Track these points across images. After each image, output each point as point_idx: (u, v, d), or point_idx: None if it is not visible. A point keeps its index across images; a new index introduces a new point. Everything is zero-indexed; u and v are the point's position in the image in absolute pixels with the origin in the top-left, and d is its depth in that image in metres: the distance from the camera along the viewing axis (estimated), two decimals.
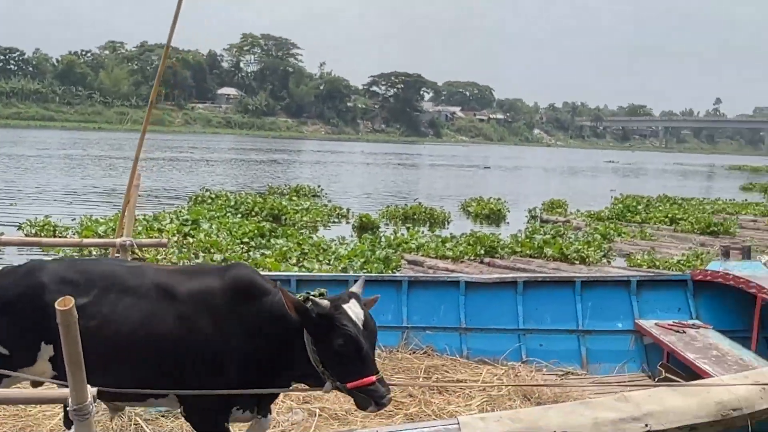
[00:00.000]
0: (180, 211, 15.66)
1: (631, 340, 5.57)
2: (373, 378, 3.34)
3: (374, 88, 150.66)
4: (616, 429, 3.45)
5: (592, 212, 21.07)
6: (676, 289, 5.78)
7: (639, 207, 22.36)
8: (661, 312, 5.61)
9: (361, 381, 3.34)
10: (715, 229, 17.73)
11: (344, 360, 3.37)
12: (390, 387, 3.42)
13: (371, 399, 3.35)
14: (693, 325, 5.25)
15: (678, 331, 5.04)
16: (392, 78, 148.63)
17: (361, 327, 3.39)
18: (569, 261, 12.99)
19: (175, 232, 13.39)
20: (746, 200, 28.56)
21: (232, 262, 3.94)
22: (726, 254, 6.11)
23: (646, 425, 3.48)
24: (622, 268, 12.76)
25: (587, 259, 13.07)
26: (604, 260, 13.59)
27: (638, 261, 13.10)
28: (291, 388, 3.71)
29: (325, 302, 3.41)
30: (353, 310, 3.41)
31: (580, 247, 13.62)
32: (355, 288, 3.62)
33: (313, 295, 3.56)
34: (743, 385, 3.76)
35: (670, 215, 20.21)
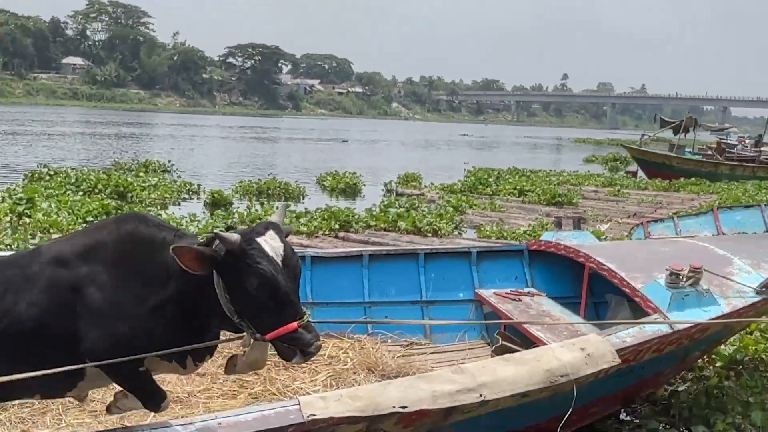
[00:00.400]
0: (13, 190, 14.61)
1: (472, 309, 5.74)
2: (295, 324, 2.85)
3: (231, 59, 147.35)
4: (452, 400, 3.52)
5: (446, 185, 21.46)
6: (514, 258, 6.01)
7: (490, 179, 22.92)
8: (500, 281, 5.81)
9: (280, 330, 2.86)
10: (560, 200, 18.49)
11: (261, 305, 2.87)
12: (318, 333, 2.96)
13: (296, 349, 2.90)
14: (528, 293, 5.47)
15: (514, 300, 5.23)
16: (249, 50, 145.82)
17: (280, 264, 2.86)
18: (422, 234, 13.19)
19: (8, 212, 12.48)
20: (589, 172, 30.21)
21: (124, 213, 3.43)
22: (558, 225, 6.40)
23: (481, 395, 3.57)
24: (472, 239, 13.13)
25: (439, 232, 13.29)
26: (456, 232, 13.88)
27: (487, 232, 13.43)
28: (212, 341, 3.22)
29: (235, 236, 2.85)
30: (270, 243, 2.87)
31: (432, 219, 13.84)
32: (275, 217, 3.08)
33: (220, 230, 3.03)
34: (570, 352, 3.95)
35: (518, 187, 20.85)
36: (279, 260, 2.86)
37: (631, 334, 4.21)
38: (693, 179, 26.52)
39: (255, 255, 2.84)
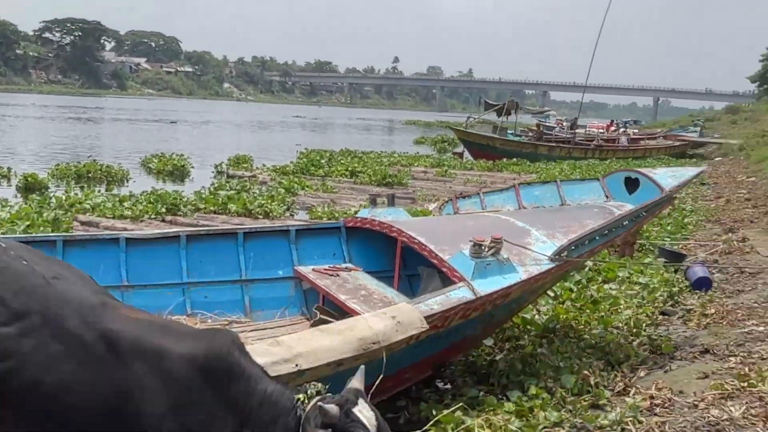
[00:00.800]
0: None
1: (292, 286, 5.82)
2: None
3: (47, 34, 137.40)
4: (269, 371, 3.60)
5: (278, 167, 21.35)
6: (331, 236, 6.16)
7: (322, 161, 23.03)
8: (319, 258, 5.93)
9: None
10: (390, 180, 18.93)
11: None
12: None
13: None
14: (346, 268, 5.62)
15: (332, 275, 5.37)
16: (68, 25, 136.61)
17: None
18: (253, 216, 13.07)
19: None
20: (418, 153, 31.13)
21: (217, 328, 3.16)
22: (373, 202, 6.64)
23: (297, 365, 3.67)
24: (303, 221, 13.18)
25: (271, 214, 13.23)
26: (288, 214, 13.88)
27: (319, 213, 13.45)
28: None
29: (335, 409, 2.75)
30: (365, 414, 2.82)
31: (264, 201, 13.76)
32: (358, 382, 3.02)
33: (309, 394, 2.91)
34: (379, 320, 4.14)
35: (350, 168, 21.07)
36: (374, 431, 2.81)
37: (438, 302, 4.48)
38: (515, 160, 28.00)
39: (356, 428, 2.77)
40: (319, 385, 2.95)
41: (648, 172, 6.36)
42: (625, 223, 5.85)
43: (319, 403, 2.78)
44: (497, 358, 5.70)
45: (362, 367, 3.18)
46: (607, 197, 6.42)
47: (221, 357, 2.82)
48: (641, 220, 6.13)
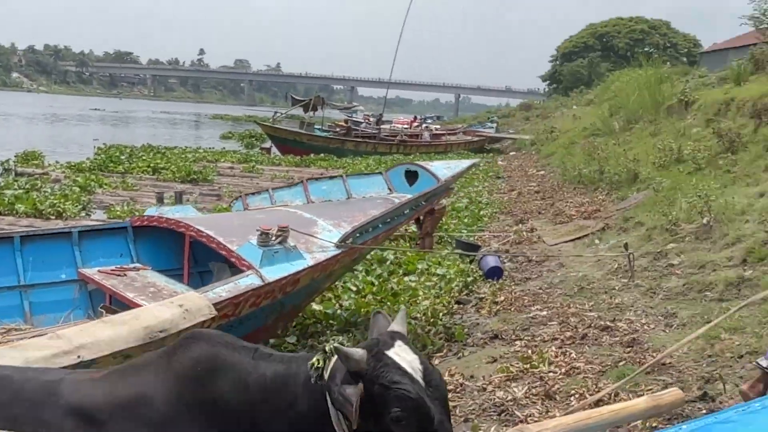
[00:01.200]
0: None
1: (76, 288, 5.67)
2: None
3: None
4: (48, 364, 3.54)
5: (73, 163, 20.25)
6: (118, 236, 6.05)
7: (122, 157, 22.18)
8: (104, 259, 5.81)
9: None
10: (195, 177, 18.61)
11: None
12: None
13: None
14: (134, 267, 5.55)
15: (119, 275, 5.29)
16: None
17: (422, 383, 2.24)
18: (44, 216, 12.39)
19: None
20: (224, 148, 30.71)
21: (187, 335, 2.62)
22: (160, 200, 6.62)
23: (78, 356, 3.65)
24: (100, 221, 12.67)
25: (64, 214, 12.60)
26: (84, 213, 13.27)
27: (118, 212, 12.95)
28: None
29: (359, 351, 2.25)
30: (404, 357, 2.27)
31: (56, 201, 13.07)
32: (398, 326, 2.44)
33: (328, 352, 2.36)
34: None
35: (153, 165, 20.48)
36: (419, 378, 2.25)
37: (226, 290, 4.62)
38: (322, 155, 28.40)
39: (391, 373, 2.22)
40: (340, 338, 2.61)
41: (425, 165, 6.87)
42: (405, 212, 6.29)
43: (339, 347, 2.31)
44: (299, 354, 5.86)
45: (403, 307, 2.78)
46: (390, 190, 6.84)
47: (195, 370, 2.48)
48: (421, 209, 6.61)
